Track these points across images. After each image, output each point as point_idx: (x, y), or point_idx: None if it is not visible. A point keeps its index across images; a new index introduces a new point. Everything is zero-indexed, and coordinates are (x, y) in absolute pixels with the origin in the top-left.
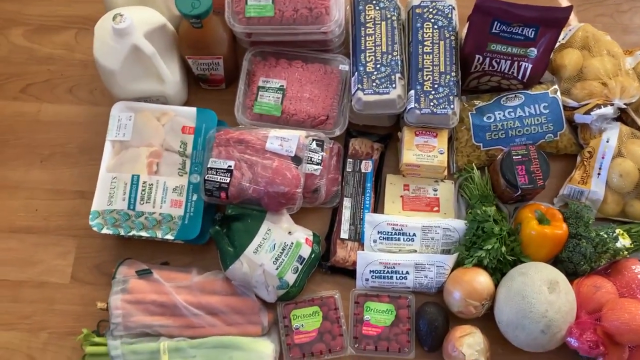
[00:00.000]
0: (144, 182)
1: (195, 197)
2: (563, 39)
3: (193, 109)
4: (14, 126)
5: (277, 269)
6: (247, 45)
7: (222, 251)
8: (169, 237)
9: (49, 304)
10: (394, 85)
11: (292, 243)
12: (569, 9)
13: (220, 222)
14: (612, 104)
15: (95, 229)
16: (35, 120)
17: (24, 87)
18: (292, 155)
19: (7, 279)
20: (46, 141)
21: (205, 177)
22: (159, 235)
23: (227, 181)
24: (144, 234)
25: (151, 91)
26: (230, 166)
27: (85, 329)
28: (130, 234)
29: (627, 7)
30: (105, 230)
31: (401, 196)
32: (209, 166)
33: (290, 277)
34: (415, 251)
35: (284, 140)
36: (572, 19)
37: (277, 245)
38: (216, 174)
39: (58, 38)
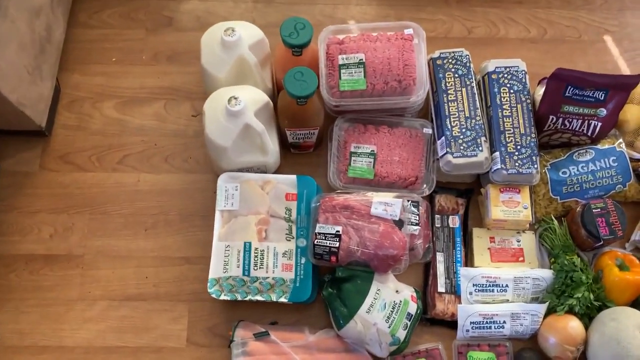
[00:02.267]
0: (256, 249)
1: (303, 260)
2: None
3: (293, 177)
4: (116, 197)
5: (389, 327)
6: (333, 114)
7: (336, 312)
8: (283, 299)
9: None
10: (480, 149)
11: (401, 301)
12: (638, 77)
13: (331, 284)
14: None
15: (214, 295)
16: (135, 191)
17: (122, 159)
18: (397, 219)
19: (127, 345)
20: (147, 210)
21: (315, 242)
22: (274, 298)
23: (337, 245)
24: (259, 298)
25: (255, 162)
26: (338, 231)
27: None
28: (247, 298)
29: None
30: (223, 297)
31: (488, 248)
32: (317, 231)
33: (401, 334)
34: (508, 301)
35: (387, 205)
36: (624, 71)
37: (387, 304)
38: (325, 239)
39: (149, 109)
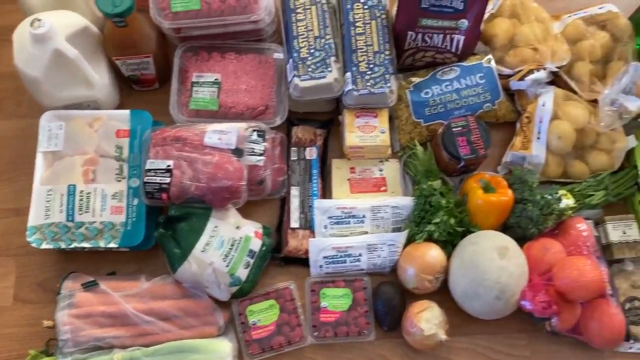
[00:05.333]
0: (81, 192)
1: (136, 202)
2: (492, 9)
3: (126, 112)
4: None
5: (227, 265)
6: (177, 42)
7: (169, 253)
8: (113, 245)
9: None
10: (329, 69)
11: (241, 238)
12: None
13: (165, 224)
14: (544, 68)
15: (34, 245)
16: None
17: None
18: (233, 148)
19: None
20: None
21: (145, 180)
22: (102, 244)
23: (168, 181)
24: (86, 244)
25: (80, 97)
26: (169, 166)
27: (32, 350)
28: (72, 246)
29: None
30: (45, 245)
31: (348, 179)
32: (147, 168)
33: (242, 273)
34: (367, 232)
35: (222, 133)
36: None
37: (225, 242)
38: (155, 175)
39: None
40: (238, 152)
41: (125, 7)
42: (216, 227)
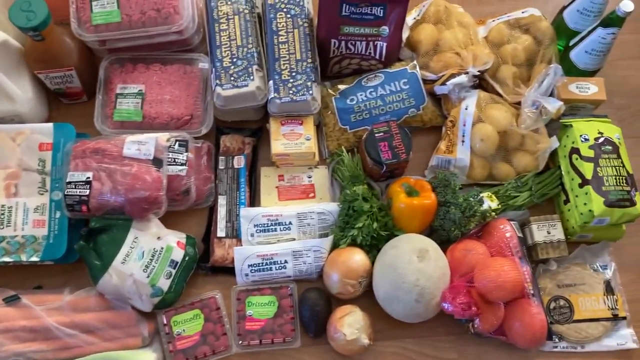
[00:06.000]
0: (2, 206)
1: (58, 215)
2: (418, 15)
3: (50, 125)
4: None
5: (148, 276)
6: (105, 54)
7: (90, 266)
8: (35, 259)
9: None
10: (251, 78)
11: (162, 248)
12: None
13: (86, 237)
14: (466, 72)
15: None
16: None
17: None
18: (152, 158)
19: None
20: None
21: (65, 192)
22: (24, 258)
23: (87, 193)
24: (7, 259)
25: (2, 112)
26: (88, 177)
27: None
28: None
29: None
30: None
31: (277, 187)
32: (67, 180)
33: (164, 283)
34: (294, 239)
35: (141, 144)
36: None
37: (146, 253)
38: (75, 188)
39: None
40: (158, 162)
41: (39, 20)
42: (136, 238)
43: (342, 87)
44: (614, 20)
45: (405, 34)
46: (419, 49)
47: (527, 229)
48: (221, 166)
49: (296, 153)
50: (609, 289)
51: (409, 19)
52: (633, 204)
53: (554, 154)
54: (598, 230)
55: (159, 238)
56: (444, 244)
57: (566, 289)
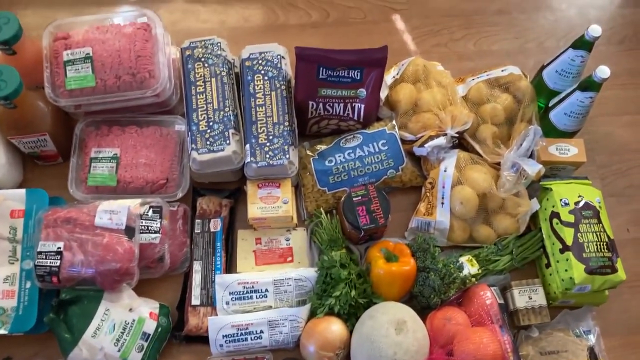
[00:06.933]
0: None
1: (29, 285)
2: (397, 73)
3: (22, 191)
4: None
5: (119, 350)
6: (80, 116)
7: (60, 339)
8: (3, 331)
9: None
10: (228, 142)
11: (134, 320)
12: (384, 49)
13: (57, 308)
14: (445, 134)
15: None
16: None
17: None
18: (124, 227)
19: None
20: None
21: (36, 263)
22: None
23: (58, 264)
24: None
25: None
26: (59, 248)
27: None
28: None
29: (460, 35)
30: None
31: (254, 251)
32: (38, 250)
33: (136, 357)
34: (271, 307)
35: (113, 213)
36: (413, 50)
37: (117, 326)
38: (46, 258)
39: None
40: (130, 231)
41: (10, 90)
42: (108, 310)
43: (320, 147)
44: (591, 84)
45: (384, 93)
46: (398, 109)
47: (508, 294)
48: (197, 230)
49: (273, 217)
50: (592, 356)
51: (388, 78)
52: (614, 270)
53: (535, 215)
54: (580, 296)
55: (130, 309)
56: (424, 309)
57: (549, 357)
